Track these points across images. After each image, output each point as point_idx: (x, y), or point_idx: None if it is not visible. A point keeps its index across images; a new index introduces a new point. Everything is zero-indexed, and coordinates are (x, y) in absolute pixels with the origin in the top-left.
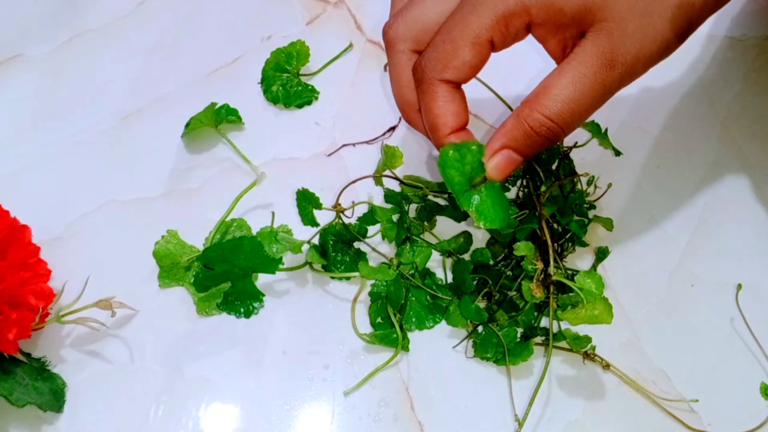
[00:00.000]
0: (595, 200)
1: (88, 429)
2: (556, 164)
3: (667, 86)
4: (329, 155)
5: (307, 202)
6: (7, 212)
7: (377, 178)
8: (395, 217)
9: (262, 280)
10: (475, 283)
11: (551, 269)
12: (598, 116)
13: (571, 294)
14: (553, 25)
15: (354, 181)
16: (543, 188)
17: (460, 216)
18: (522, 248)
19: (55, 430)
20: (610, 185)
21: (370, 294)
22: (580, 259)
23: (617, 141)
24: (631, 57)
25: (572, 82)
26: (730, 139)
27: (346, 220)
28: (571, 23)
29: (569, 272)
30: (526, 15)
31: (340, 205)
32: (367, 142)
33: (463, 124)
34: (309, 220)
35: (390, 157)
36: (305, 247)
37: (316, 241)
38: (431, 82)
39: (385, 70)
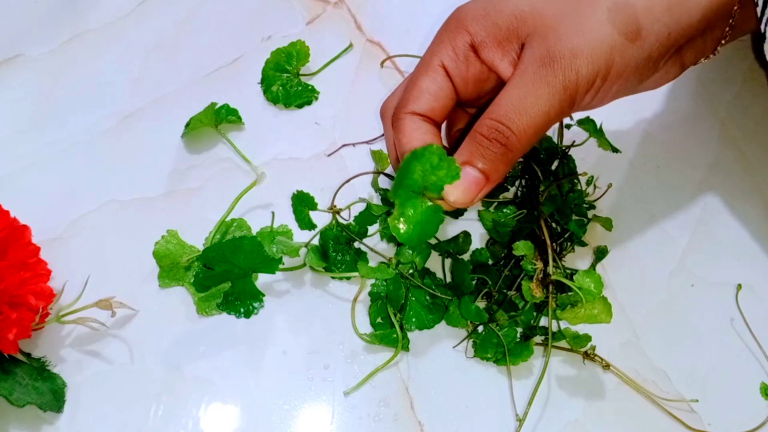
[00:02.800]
0: (594, 200)
1: (88, 429)
2: (556, 164)
3: (667, 86)
4: (329, 155)
5: (303, 205)
6: (7, 212)
7: (374, 182)
8: None
9: (262, 280)
10: (474, 283)
11: (550, 269)
12: (598, 116)
13: (570, 293)
14: (495, 43)
15: (349, 180)
16: (542, 187)
17: (456, 213)
18: (521, 247)
19: (55, 430)
20: (610, 185)
21: (370, 294)
22: (579, 259)
23: (617, 141)
24: (567, 51)
25: (515, 86)
26: (730, 139)
27: (344, 221)
28: (509, 37)
29: (568, 272)
30: (465, 33)
31: (335, 206)
32: (367, 142)
33: None
34: (305, 224)
35: (378, 161)
36: (304, 250)
37: (315, 242)
38: (399, 116)
39: (382, 66)
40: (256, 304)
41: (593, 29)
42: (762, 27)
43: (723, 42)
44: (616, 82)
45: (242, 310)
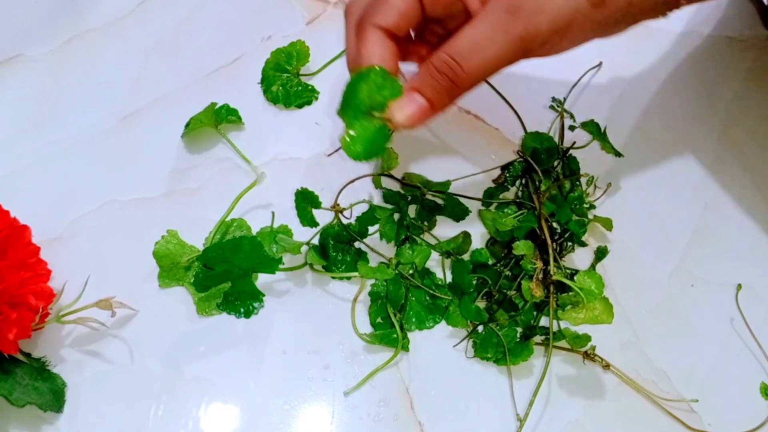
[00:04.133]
0: (595, 200)
1: (88, 429)
2: (556, 163)
3: (667, 86)
4: (329, 155)
5: (306, 202)
6: (7, 212)
7: (376, 180)
8: (395, 217)
9: (262, 280)
10: (474, 282)
11: (551, 268)
12: (597, 117)
13: (570, 293)
14: None
15: (353, 181)
16: (543, 187)
17: (460, 215)
18: (521, 247)
19: (55, 430)
20: (609, 185)
21: (370, 294)
22: (579, 259)
23: (617, 141)
24: (533, 4)
25: (476, 26)
26: (730, 139)
27: (345, 221)
28: None
29: (569, 272)
30: None
31: (338, 205)
32: None
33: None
34: (308, 221)
35: (386, 159)
36: (305, 248)
37: (315, 241)
38: (364, 27)
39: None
40: (256, 304)
41: None
42: None
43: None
44: (573, 41)
45: (242, 310)
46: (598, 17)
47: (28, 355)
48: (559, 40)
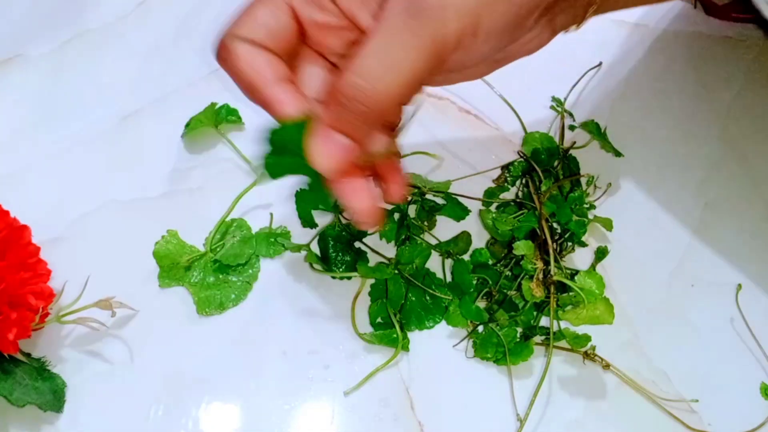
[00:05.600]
0: (594, 200)
1: (88, 429)
2: (556, 163)
3: (667, 86)
4: None
5: (305, 203)
6: (7, 212)
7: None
8: (395, 216)
9: (261, 280)
10: (474, 282)
11: (552, 268)
12: (598, 116)
13: (571, 294)
14: None
15: None
16: (543, 187)
17: (460, 215)
18: (522, 247)
19: (55, 430)
20: (609, 185)
21: (370, 294)
22: (579, 259)
23: (617, 141)
24: (436, 3)
25: (379, 39)
26: (730, 139)
27: (346, 221)
28: None
29: (569, 272)
30: None
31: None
32: None
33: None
34: (307, 221)
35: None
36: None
37: (315, 241)
38: (225, 43)
39: None
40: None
41: None
42: None
43: (592, 9)
44: (487, 41)
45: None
46: (504, 10)
47: (28, 355)
48: (472, 43)
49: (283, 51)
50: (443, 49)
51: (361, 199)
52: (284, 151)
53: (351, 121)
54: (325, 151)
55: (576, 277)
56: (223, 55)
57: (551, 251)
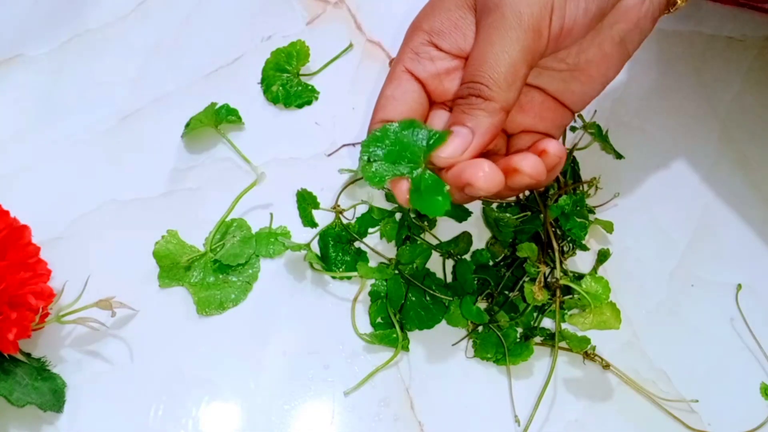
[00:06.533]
0: (598, 206)
1: (88, 429)
2: None
3: (667, 86)
4: (329, 155)
5: (306, 202)
6: (7, 212)
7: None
8: (396, 216)
9: (261, 280)
10: (475, 283)
11: (557, 273)
12: (598, 117)
13: (575, 297)
14: (451, 27)
15: (353, 181)
16: (551, 191)
17: (461, 216)
18: (525, 249)
19: (55, 430)
20: (617, 194)
21: (370, 294)
22: (579, 260)
23: (618, 141)
24: (537, 10)
25: (477, 45)
26: (730, 139)
27: (346, 221)
28: (463, 14)
29: (571, 275)
30: (420, 32)
31: (339, 205)
32: None
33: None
34: (308, 221)
35: None
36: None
37: (316, 241)
38: (370, 130)
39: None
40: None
41: None
42: None
43: None
44: (572, 5)
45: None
46: None
47: (28, 355)
48: (564, 3)
49: (417, 112)
50: (537, 23)
51: (481, 168)
52: (390, 156)
53: (472, 114)
54: (449, 142)
55: (582, 281)
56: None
57: (557, 255)
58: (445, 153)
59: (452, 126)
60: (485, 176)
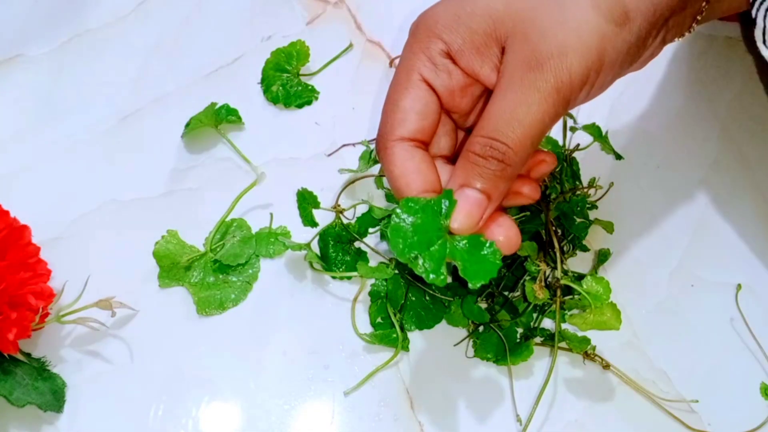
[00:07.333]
0: (596, 201)
1: (88, 429)
2: (558, 168)
3: (667, 86)
4: (329, 155)
5: (306, 202)
6: (7, 212)
7: (377, 181)
8: None
9: (261, 279)
10: None
11: (558, 272)
12: (597, 117)
13: (576, 297)
14: (473, 49)
15: (354, 181)
16: (552, 193)
17: None
18: (526, 248)
19: (55, 430)
20: (611, 184)
21: (370, 294)
22: (580, 261)
23: (617, 141)
24: (555, 50)
25: (503, 96)
26: (730, 139)
27: (347, 221)
28: (487, 42)
29: (572, 275)
30: (438, 41)
31: (339, 205)
32: (367, 142)
33: (431, 185)
34: (308, 220)
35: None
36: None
37: (316, 241)
38: (385, 145)
39: (391, 65)
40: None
41: (579, 19)
42: (753, 12)
43: (699, 18)
44: (610, 73)
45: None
46: (627, 38)
47: (28, 355)
48: (596, 78)
49: (432, 128)
50: (569, 93)
51: (507, 229)
52: (416, 232)
53: (486, 176)
54: (463, 208)
55: (583, 282)
56: (382, 155)
57: (558, 255)
58: (458, 224)
59: (464, 185)
60: (507, 242)
